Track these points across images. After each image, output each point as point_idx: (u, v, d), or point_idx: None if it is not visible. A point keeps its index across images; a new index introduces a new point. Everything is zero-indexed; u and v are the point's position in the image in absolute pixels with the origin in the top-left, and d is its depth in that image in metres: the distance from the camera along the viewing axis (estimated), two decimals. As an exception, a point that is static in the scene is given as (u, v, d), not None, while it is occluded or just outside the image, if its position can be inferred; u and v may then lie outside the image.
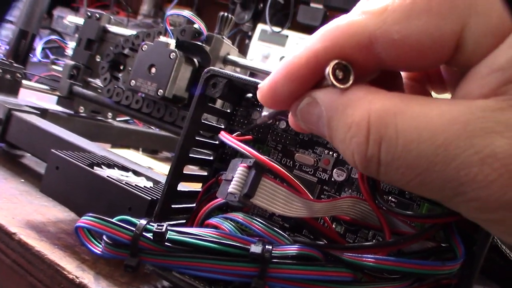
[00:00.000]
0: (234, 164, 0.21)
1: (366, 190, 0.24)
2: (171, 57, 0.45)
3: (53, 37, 0.70)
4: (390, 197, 0.26)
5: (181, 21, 0.70)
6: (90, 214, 0.22)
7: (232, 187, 0.20)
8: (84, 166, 0.33)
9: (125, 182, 0.32)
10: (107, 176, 0.32)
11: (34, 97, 0.59)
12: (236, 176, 0.20)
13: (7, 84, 0.49)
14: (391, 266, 0.20)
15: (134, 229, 0.21)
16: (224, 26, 0.53)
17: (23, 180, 0.42)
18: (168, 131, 0.49)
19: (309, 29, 1.02)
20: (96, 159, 0.36)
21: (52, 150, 0.34)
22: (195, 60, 0.48)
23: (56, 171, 0.34)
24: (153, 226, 0.21)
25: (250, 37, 1.10)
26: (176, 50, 0.45)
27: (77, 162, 0.33)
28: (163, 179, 0.37)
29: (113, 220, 0.21)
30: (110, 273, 0.29)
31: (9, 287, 0.32)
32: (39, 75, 0.74)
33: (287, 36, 0.98)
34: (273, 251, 0.21)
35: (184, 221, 0.30)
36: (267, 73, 0.49)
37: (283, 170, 0.21)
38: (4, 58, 0.49)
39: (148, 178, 0.36)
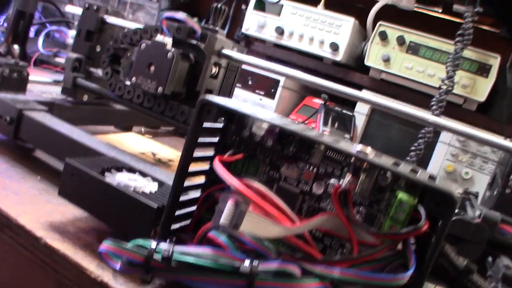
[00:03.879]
0: (225, 196, 0.26)
1: (338, 206, 0.28)
2: (169, 56, 0.48)
3: (54, 27, 0.72)
4: (360, 208, 0.31)
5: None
6: (109, 240, 0.26)
7: (223, 220, 0.24)
8: (96, 175, 0.37)
9: (134, 189, 0.37)
10: (118, 183, 0.37)
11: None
12: (226, 210, 0.25)
13: (14, 83, 0.53)
14: (352, 278, 0.25)
15: (146, 252, 0.25)
16: (218, 18, 0.55)
17: (39, 177, 0.47)
18: (169, 124, 0.53)
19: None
20: (106, 163, 0.40)
21: (67, 159, 0.38)
22: (191, 56, 0.51)
23: (71, 178, 0.38)
24: (161, 248, 0.26)
25: (247, 2, 1.10)
26: (173, 50, 0.48)
27: (89, 171, 0.37)
28: (166, 177, 0.42)
29: (129, 246, 0.25)
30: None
31: (37, 282, 0.38)
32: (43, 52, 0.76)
33: (282, 5, 0.99)
34: (258, 267, 0.25)
35: (188, 221, 0.35)
36: (260, 67, 0.52)
37: (266, 203, 0.25)
38: (10, 58, 0.52)
39: (154, 179, 0.41)
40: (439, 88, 0.84)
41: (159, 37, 0.50)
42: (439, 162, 0.91)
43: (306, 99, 1.04)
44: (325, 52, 0.97)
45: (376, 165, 0.27)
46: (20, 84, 0.53)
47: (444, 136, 0.90)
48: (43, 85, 0.63)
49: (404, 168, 0.29)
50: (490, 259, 0.37)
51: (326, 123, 0.94)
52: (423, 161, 0.90)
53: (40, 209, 0.40)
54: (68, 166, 0.38)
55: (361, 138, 0.96)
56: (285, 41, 1.00)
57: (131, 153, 0.51)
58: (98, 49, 0.61)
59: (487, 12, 0.88)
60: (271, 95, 0.98)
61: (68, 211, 0.41)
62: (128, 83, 0.54)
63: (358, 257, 0.26)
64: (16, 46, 0.85)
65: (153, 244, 0.26)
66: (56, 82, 0.61)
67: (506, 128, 0.87)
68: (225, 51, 0.52)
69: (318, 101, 1.02)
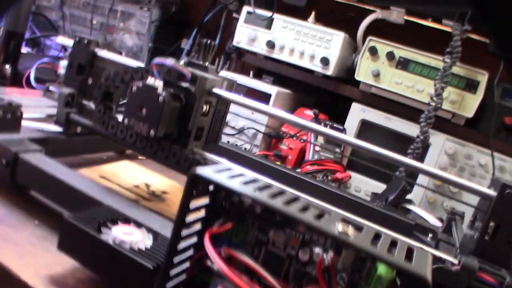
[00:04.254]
0: (215, 284, 0.27)
1: (322, 281, 0.30)
2: (160, 100, 0.49)
3: (45, 59, 0.73)
4: (343, 274, 0.33)
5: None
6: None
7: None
8: (93, 233, 0.38)
9: (130, 247, 0.38)
10: (113, 239, 0.38)
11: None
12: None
13: (8, 123, 0.53)
14: None
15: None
16: (208, 54, 0.57)
17: (36, 222, 0.48)
18: (163, 164, 0.54)
19: (294, 11, 1.03)
20: (102, 216, 0.42)
21: (65, 216, 0.40)
22: (181, 96, 0.52)
23: (69, 234, 0.40)
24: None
25: (238, 11, 1.10)
26: (164, 94, 0.49)
27: (86, 229, 0.39)
28: (161, 226, 0.43)
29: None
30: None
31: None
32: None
33: (272, 19, 0.99)
34: None
35: (183, 277, 0.37)
36: (250, 107, 0.53)
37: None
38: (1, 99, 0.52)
39: (148, 230, 0.42)
40: (428, 104, 0.86)
41: (150, 80, 0.51)
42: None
43: (297, 110, 1.06)
44: (316, 66, 0.98)
45: (357, 248, 0.28)
46: (13, 124, 0.54)
47: (433, 149, 0.92)
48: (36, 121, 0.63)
49: (384, 242, 0.30)
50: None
51: (316, 137, 0.95)
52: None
53: (40, 261, 0.42)
54: (66, 223, 0.40)
55: (351, 151, 0.98)
56: (276, 54, 1.01)
57: (126, 188, 0.52)
58: (89, 81, 0.62)
59: (476, 29, 0.89)
60: (263, 109, 0.99)
61: (67, 261, 0.41)
62: (120, 119, 0.56)
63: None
64: (7, 66, 0.86)
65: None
66: (49, 117, 0.62)
67: (493, 142, 0.89)
68: (216, 90, 0.53)
69: (309, 113, 1.04)
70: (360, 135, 0.98)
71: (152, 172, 0.67)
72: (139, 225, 0.43)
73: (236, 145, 1.00)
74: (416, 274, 0.27)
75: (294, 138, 1.00)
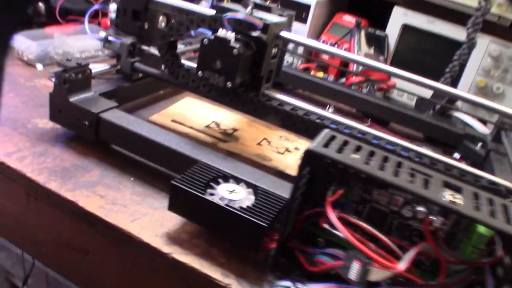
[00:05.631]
0: (351, 255, 0.32)
1: (431, 240, 0.34)
2: (235, 53, 0.50)
3: (96, 7, 0.70)
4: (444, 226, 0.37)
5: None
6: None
7: (354, 276, 0.31)
8: (203, 197, 0.42)
9: (239, 206, 0.42)
10: (221, 198, 0.42)
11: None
12: (354, 269, 0.31)
13: (81, 83, 0.54)
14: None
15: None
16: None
17: (132, 178, 0.52)
18: (239, 110, 0.56)
19: None
20: (202, 175, 0.45)
21: (172, 181, 0.43)
22: (252, 44, 0.52)
23: (178, 197, 0.43)
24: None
25: None
26: (238, 46, 0.49)
27: (197, 193, 0.42)
28: (253, 175, 0.47)
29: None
30: (245, 273, 0.42)
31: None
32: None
33: None
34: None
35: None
36: (315, 49, 0.53)
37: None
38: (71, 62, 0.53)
39: (247, 184, 0.46)
40: (477, 9, 0.83)
41: (221, 32, 0.50)
42: (471, 78, 0.93)
43: (336, 16, 1.03)
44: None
45: (467, 217, 0.32)
46: (85, 83, 0.55)
47: (476, 52, 0.91)
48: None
49: (484, 205, 0.34)
50: None
51: (360, 46, 0.94)
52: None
53: (152, 220, 0.46)
54: (175, 188, 0.43)
55: (392, 57, 0.97)
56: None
57: (199, 131, 0.55)
58: (146, 26, 0.61)
59: None
60: (303, 20, 0.97)
61: (174, 216, 0.46)
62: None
63: (449, 282, 0.33)
64: (40, 4, 0.83)
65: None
66: (113, 67, 0.62)
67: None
68: (283, 34, 0.53)
69: (348, 18, 1.01)
70: (401, 40, 0.96)
71: (215, 107, 0.69)
72: (238, 180, 0.46)
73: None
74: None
75: (335, 47, 0.99)
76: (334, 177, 0.38)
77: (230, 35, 0.50)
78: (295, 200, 0.38)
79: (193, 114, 0.65)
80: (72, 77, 0.53)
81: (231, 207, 0.41)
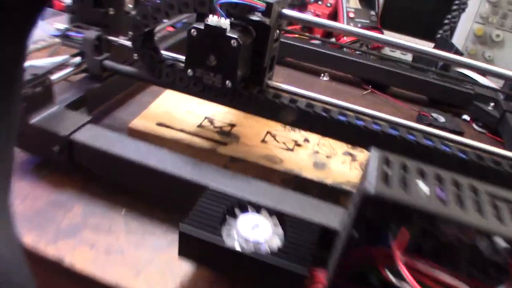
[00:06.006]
0: None
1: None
2: (233, 45, 0.39)
3: None
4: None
5: None
6: None
7: None
8: (219, 244, 0.33)
9: (269, 250, 0.34)
10: (249, 249, 0.34)
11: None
12: None
13: (41, 98, 0.43)
14: None
15: None
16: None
17: (124, 211, 0.42)
18: (241, 111, 0.46)
19: None
20: (213, 208, 0.36)
21: (181, 226, 0.34)
22: (250, 28, 0.42)
23: (190, 244, 0.35)
24: None
25: None
26: (236, 36, 0.39)
27: (209, 239, 0.33)
28: (272, 195, 0.38)
29: None
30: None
31: None
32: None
33: None
34: None
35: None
36: (315, 24, 0.44)
37: None
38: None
39: (270, 212, 0.37)
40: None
41: (213, 19, 0.40)
42: (468, 26, 0.85)
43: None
44: None
45: None
46: (47, 96, 0.44)
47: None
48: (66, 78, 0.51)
49: None
50: None
51: (349, 1, 0.84)
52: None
53: (159, 268, 0.37)
54: (184, 235, 0.34)
55: (382, 10, 0.88)
56: None
57: (192, 133, 0.46)
58: (111, 12, 0.49)
59: None
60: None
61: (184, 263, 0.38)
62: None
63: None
64: None
65: None
66: (77, 67, 0.50)
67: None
68: (285, 11, 0.43)
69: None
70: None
71: (201, 102, 0.58)
72: (257, 207, 0.38)
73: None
74: None
75: (319, 3, 0.88)
76: (394, 216, 0.30)
77: (225, 23, 0.39)
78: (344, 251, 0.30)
79: (179, 111, 0.54)
80: (28, 93, 0.41)
81: (259, 255, 0.33)
